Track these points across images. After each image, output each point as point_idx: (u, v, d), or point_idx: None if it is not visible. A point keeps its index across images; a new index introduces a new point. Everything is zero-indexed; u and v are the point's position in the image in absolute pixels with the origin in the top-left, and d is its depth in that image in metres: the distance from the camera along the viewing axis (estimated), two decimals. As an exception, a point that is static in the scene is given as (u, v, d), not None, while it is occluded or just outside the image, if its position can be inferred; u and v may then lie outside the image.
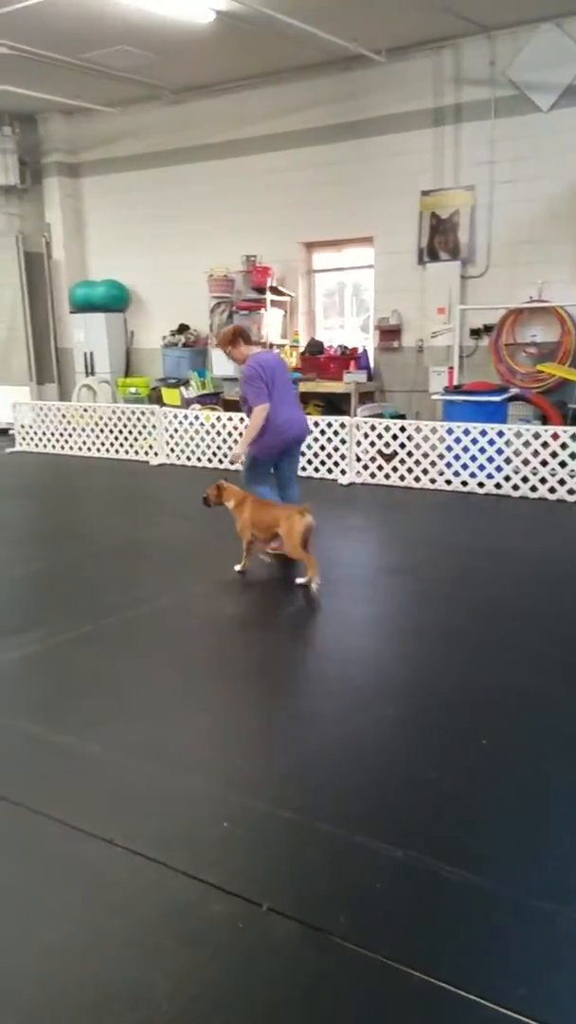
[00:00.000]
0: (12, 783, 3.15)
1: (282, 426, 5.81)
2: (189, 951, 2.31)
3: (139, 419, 10.46)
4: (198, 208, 11.88)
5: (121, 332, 13.06)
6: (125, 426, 10.61)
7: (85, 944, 2.36)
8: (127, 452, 10.63)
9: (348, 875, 2.63)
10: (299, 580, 5.50)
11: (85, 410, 11.17)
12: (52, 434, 11.21)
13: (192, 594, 5.53)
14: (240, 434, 8.89)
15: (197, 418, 9.89)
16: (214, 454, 9.71)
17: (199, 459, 9.88)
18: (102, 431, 10.83)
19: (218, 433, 9.70)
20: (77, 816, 2.92)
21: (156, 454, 10.28)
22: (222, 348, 6.00)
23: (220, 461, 9.58)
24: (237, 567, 5.77)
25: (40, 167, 13.12)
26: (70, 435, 11.08)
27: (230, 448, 9.23)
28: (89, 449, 10.94)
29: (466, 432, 8.18)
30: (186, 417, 10.08)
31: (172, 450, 10.18)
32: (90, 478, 9.92)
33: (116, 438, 10.72)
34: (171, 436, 10.16)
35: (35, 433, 11.36)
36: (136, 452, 10.55)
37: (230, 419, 9.61)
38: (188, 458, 9.94)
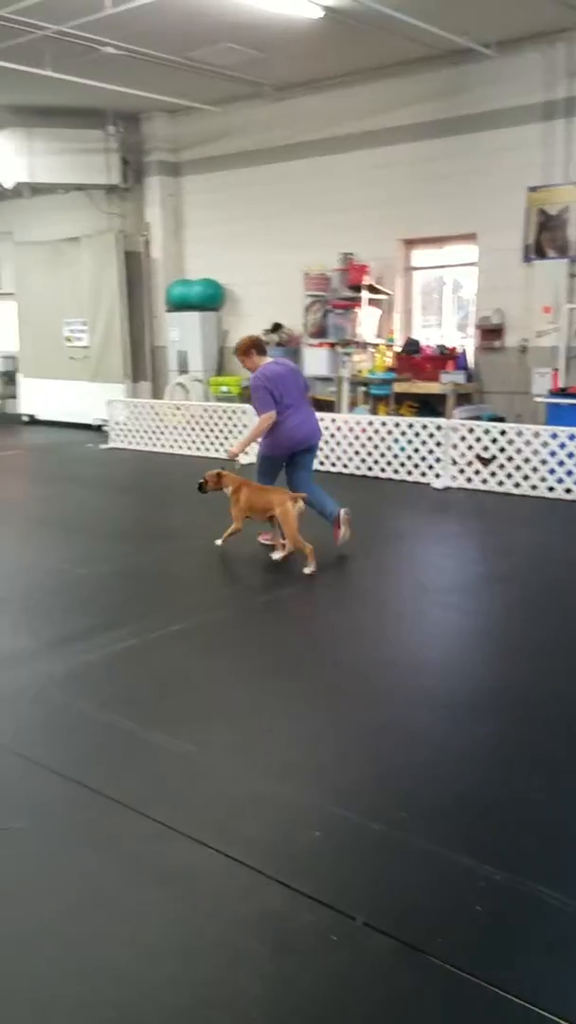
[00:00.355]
0: (107, 779, 3.14)
1: (292, 430, 6.11)
2: (281, 960, 2.26)
3: (230, 418, 10.50)
4: (297, 205, 11.82)
5: (215, 331, 13.13)
6: (216, 424, 10.66)
7: (177, 945, 2.32)
8: (217, 450, 10.67)
9: (445, 894, 2.52)
10: (306, 570, 5.63)
11: (177, 408, 11.27)
12: (144, 431, 11.34)
13: (282, 596, 5.49)
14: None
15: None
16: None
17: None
18: (193, 429, 10.91)
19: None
20: (169, 815, 2.89)
21: (247, 453, 10.26)
22: (237, 357, 6.33)
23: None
24: (218, 541, 6.16)
25: (141, 166, 13.30)
26: (162, 432, 11.20)
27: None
28: (180, 447, 11.03)
29: (572, 437, 7.87)
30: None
31: (263, 448, 10.16)
32: (180, 475, 9.98)
33: (207, 436, 10.77)
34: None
35: (128, 430, 11.52)
36: (226, 451, 10.56)
37: (320, 419, 9.50)
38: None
